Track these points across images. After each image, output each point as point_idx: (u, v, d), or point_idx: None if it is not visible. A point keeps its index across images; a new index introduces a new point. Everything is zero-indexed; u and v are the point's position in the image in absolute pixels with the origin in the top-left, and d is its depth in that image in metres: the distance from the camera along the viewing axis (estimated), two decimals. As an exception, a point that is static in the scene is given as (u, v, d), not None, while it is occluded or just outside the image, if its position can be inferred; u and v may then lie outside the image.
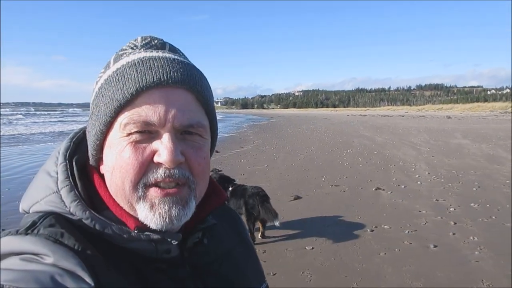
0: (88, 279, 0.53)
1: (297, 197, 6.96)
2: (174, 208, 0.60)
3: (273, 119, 59.09)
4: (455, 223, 5.36)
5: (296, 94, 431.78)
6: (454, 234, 4.94)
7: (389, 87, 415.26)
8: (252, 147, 15.75)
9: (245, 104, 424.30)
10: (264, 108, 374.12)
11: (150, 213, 0.60)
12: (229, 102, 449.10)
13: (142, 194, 0.60)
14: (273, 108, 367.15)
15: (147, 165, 0.60)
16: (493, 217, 5.61)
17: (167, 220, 0.60)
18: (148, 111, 0.60)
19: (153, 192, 0.60)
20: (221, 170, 6.40)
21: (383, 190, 7.52)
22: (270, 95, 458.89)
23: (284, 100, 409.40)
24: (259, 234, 4.89)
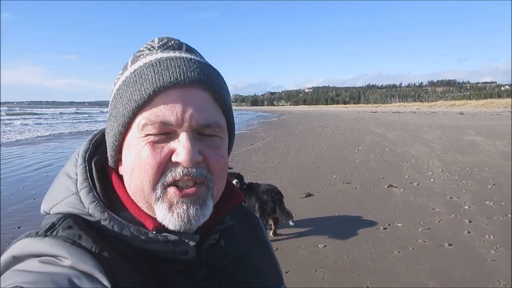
0: (105, 281, 0.53)
1: (309, 195, 6.94)
2: (192, 208, 0.61)
3: (283, 116, 59.02)
4: (470, 221, 5.28)
5: (306, 90, 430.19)
6: (469, 232, 4.87)
7: (400, 83, 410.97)
8: (263, 144, 15.75)
9: (255, 101, 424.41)
10: (274, 105, 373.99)
11: (169, 213, 0.60)
12: (239, 99, 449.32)
13: (161, 194, 0.60)
14: (283, 105, 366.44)
15: (165, 164, 0.60)
16: (509, 215, 5.51)
17: (185, 220, 0.60)
18: (166, 111, 0.60)
19: (172, 193, 0.60)
20: (231, 167, 6.41)
21: (396, 187, 7.44)
22: (280, 91, 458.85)
23: (294, 97, 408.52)
24: (271, 232, 4.89)
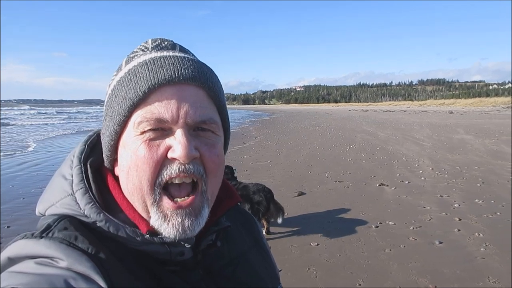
0: (101, 283, 0.53)
1: (301, 193, 6.97)
2: (187, 220, 0.61)
3: (274, 114, 59.11)
4: (460, 219, 5.35)
5: (298, 89, 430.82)
6: (459, 230, 4.94)
7: (391, 82, 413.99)
8: (255, 142, 15.75)
9: (246, 99, 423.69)
10: (266, 104, 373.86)
11: (164, 223, 0.61)
12: (231, 98, 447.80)
13: (158, 198, 0.61)
14: (274, 104, 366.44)
15: (162, 162, 0.60)
16: (498, 213, 5.60)
17: (180, 230, 0.60)
18: (161, 108, 0.60)
19: (166, 204, 0.61)
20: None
21: (387, 186, 7.51)
22: (272, 90, 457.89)
23: (285, 96, 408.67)
24: (264, 231, 4.89)
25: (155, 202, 0.61)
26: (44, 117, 40.56)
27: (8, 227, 4.97)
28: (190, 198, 0.62)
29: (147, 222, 0.62)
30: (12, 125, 27.18)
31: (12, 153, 11.86)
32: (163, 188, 0.61)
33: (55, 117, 41.46)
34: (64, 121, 35.14)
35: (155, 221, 0.61)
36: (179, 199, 0.61)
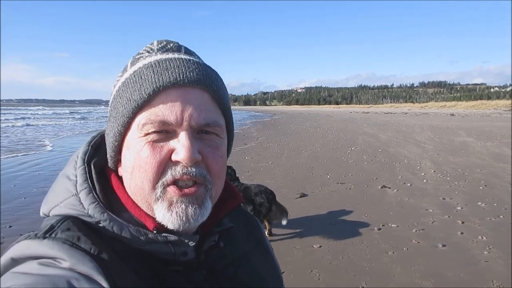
0: (104, 283, 0.53)
1: (303, 195, 6.95)
2: (190, 207, 0.61)
3: (276, 115, 59.15)
4: (463, 222, 5.33)
5: (299, 91, 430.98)
6: (462, 233, 4.92)
7: (392, 84, 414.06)
8: (256, 144, 15.74)
9: (247, 100, 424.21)
10: (267, 105, 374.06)
11: (168, 212, 0.61)
12: (232, 99, 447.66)
13: (161, 194, 0.61)
14: (275, 105, 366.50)
15: (165, 164, 0.61)
16: (501, 216, 5.58)
17: (184, 219, 0.61)
18: (165, 110, 0.61)
19: (171, 191, 0.61)
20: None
21: (389, 188, 7.49)
22: (273, 91, 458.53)
23: (286, 97, 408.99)
24: (266, 232, 4.88)
25: (158, 198, 0.61)
26: (59, 117, 41.77)
27: (9, 226, 4.97)
28: (194, 187, 0.62)
29: (153, 219, 0.63)
30: (33, 125, 27.41)
31: (32, 152, 11.94)
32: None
33: (70, 117, 43.07)
34: (83, 120, 37.00)
35: (159, 213, 0.61)
36: (183, 186, 0.62)
